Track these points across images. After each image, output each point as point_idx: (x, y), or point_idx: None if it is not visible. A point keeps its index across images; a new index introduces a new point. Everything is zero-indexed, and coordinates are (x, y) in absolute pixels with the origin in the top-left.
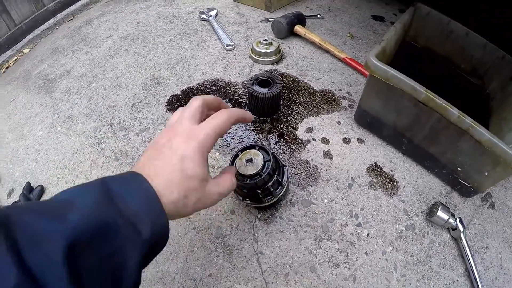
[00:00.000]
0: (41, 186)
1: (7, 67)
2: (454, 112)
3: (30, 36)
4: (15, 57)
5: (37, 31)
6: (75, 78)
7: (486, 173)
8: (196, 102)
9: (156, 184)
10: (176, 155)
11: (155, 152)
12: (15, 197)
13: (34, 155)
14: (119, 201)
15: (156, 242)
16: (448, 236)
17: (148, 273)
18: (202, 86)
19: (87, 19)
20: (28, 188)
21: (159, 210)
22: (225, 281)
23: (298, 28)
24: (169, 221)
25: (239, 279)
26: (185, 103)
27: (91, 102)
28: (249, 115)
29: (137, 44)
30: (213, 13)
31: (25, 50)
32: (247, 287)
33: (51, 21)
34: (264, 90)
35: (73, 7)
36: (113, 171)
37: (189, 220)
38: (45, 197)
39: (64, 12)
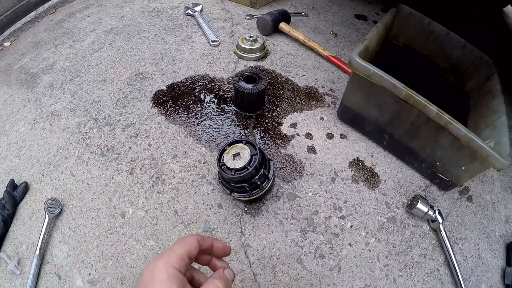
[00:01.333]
0: (26, 183)
1: None
2: (432, 109)
3: (11, 29)
4: None
5: (18, 24)
6: (58, 72)
7: (463, 167)
8: (178, 250)
9: None
10: (144, 283)
11: None
12: None
13: (17, 151)
14: None
15: None
16: (428, 227)
17: (137, 268)
18: (187, 81)
19: (69, 12)
20: (12, 185)
21: None
22: None
23: (282, 25)
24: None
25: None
26: (171, 98)
27: (75, 97)
28: (222, 247)
29: (121, 38)
30: (198, 8)
31: (6, 44)
32: (236, 279)
33: (32, 14)
34: (250, 86)
35: (55, 0)
36: (99, 167)
37: (177, 214)
38: (30, 194)
39: (46, 5)
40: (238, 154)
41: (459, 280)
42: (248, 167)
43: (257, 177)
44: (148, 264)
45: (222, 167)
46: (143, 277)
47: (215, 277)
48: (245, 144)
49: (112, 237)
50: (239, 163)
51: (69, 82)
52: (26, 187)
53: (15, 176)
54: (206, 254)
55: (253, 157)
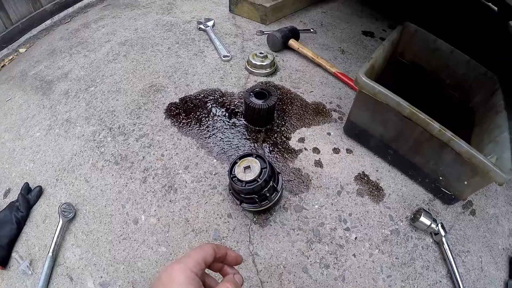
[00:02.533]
0: (40, 187)
1: (2, 66)
2: (435, 126)
3: (26, 36)
4: (11, 56)
5: (34, 31)
6: (73, 81)
7: (465, 182)
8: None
9: None
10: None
11: None
12: (12, 197)
13: (31, 156)
14: None
15: None
16: (431, 240)
17: (148, 273)
18: (200, 95)
19: (84, 22)
20: (26, 188)
21: None
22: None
23: (292, 42)
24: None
25: None
26: (183, 110)
27: (89, 106)
28: (235, 256)
29: (135, 50)
30: (210, 23)
31: (21, 50)
32: (244, 286)
33: (48, 22)
34: (260, 102)
35: (70, 9)
36: (113, 174)
37: (188, 223)
38: (44, 198)
39: (62, 14)
40: (249, 167)
41: None
42: (258, 180)
43: (266, 189)
44: (166, 267)
45: (233, 179)
46: (162, 278)
47: (226, 280)
48: (255, 157)
49: (124, 242)
50: (249, 176)
51: (84, 91)
52: (40, 191)
53: (29, 180)
54: (219, 262)
55: (263, 170)
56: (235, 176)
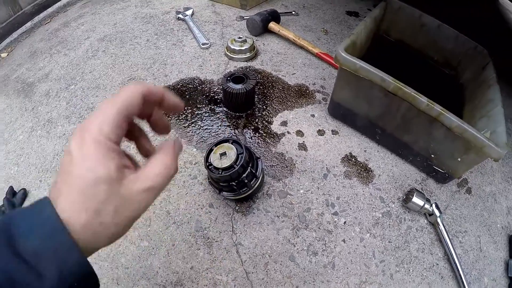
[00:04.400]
0: (24, 189)
1: None
2: (423, 100)
3: (7, 40)
4: None
5: (15, 34)
6: (53, 81)
7: (459, 159)
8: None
9: (61, 207)
10: (71, 159)
11: (60, 166)
12: None
13: (15, 159)
14: (17, 241)
15: (72, 284)
16: (425, 221)
17: (131, 269)
18: (178, 84)
19: (64, 21)
20: (11, 192)
21: (66, 243)
22: (207, 273)
23: (272, 25)
24: (96, 251)
25: (220, 271)
26: None
27: (70, 105)
28: (174, 99)
29: (114, 45)
30: (189, 12)
31: (3, 55)
32: (228, 278)
33: (28, 24)
34: (238, 86)
35: (50, 10)
36: None
37: (169, 215)
38: (28, 200)
39: (42, 15)
40: (225, 153)
41: (460, 274)
42: (235, 166)
43: (244, 175)
44: (75, 133)
45: (210, 167)
46: (72, 151)
47: (165, 152)
48: (231, 143)
49: None
50: (225, 162)
51: (64, 90)
52: (24, 194)
53: (14, 183)
54: (153, 106)
55: (240, 155)
56: (211, 164)
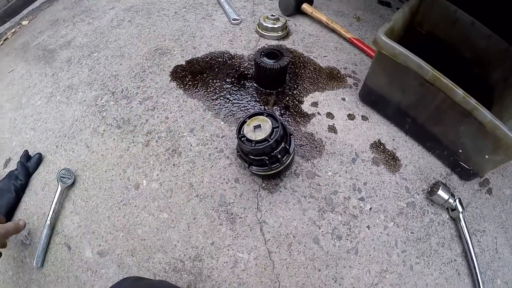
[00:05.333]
0: (39, 154)
1: (5, 39)
2: (459, 92)
3: (29, 8)
4: (14, 29)
5: (37, 3)
6: (76, 48)
7: (486, 156)
8: None
9: None
10: None
11: None
12: (12, 166)
13: (32, 124)
14: None
15: None
16: (447, 216)
17: (148, 240)
18: (207, 57)
19: None
20: (26, 156)
21: None
22: (228, 250)
23: (305, 6)
24: None
25: (242, 248)
26: (190, 73)
27: (92, 72)
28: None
29: (140, 16)
30: None
31: (24, 22)
32: (250, 256)
33: None
34: (272, 62)
35: None
36: (114, 139)
37: (192, 187)
38: (43, 165)
39: None
40: (259, 126)
41: (476, 273)
42: (269, 140)
43: (277, 150)
44: None
45: (242, 139)
46: None
47: None
48: (266, 116)
49: (124, 208)
50: (259, 135)
51: (87, 57)
52: (39, 158)
53: (29, 148)
54: None
55: (275, 129)
56: (244, 136)
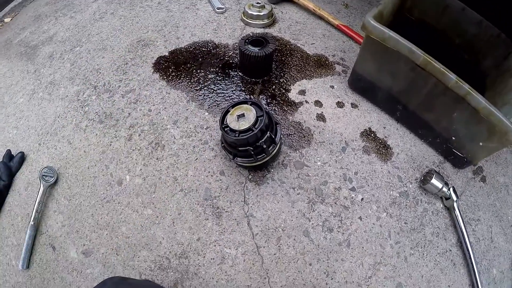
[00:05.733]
0: (22, 153)
1: None
2: (451, 77)
3: (11, 5)
4: None
5: None
6: (58, 43)
7: (480, 143)
8: None
9: None
10: None
11: None
12: None
13: (15, 122)
14: None
15: None
16: (441, 205)
17: (132, 238)
18: (191, 47)
19: None
20: (8, 155)
21: None
22: (215, 245)
23: None
24: None
25: (229, 243)
26: (173, 63)
27: (74, 66)
28: None
29: (123, 7)
30: None
31: (6, 20)
32: (238, 252)
33: None
34: (257, 49)
35: None
36: (96, 134)
37: (176, 181)
38: (26, 164)
39: None
40: (243, 115)
41: (472, 263)
42: (253, 129)
43: (262, 140)
44: None
45: (225, 129)
46: None
47: None
48: (250, 105)
49: (107, 205)
50: (243, 124)
51: (69, 52)
52: (22, 157)
53: (12, 147)
54: None
55: (259, 118)
56: (228, 126)
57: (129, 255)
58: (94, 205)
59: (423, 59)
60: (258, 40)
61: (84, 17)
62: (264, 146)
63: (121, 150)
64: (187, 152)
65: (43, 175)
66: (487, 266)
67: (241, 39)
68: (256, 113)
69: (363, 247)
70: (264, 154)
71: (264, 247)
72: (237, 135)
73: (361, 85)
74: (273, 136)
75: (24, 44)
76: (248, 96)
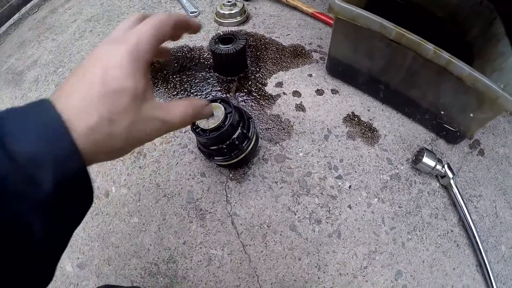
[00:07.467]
0: None
1: None
2: (429, 47)
3: None
4: None
5: (3, 28)
6: (42, 66)
7: (471, 115)
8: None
9: (67, 108)
10: (98, 64)
11: (76, 69)
12: None
13: None
14: (11, 142)
15: (68, 194)
16: (438, 184)
17: (122, 247)
18: None
19: (51, 9)
20: None
21: (66, 145)
22: (200, 247)
23: None
24: (98, 162)
25: (215, 244)
26: (150, 73)
27: (58, 87)
28: (196, 22)
29: (101, 24)
30: None
31: None
32: (224, 252)
33: (16, 16)
34: (227, 47)
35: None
36: None
37: (159, 188)
38: None
39: (28, 5)
40: (212, 113)
41: (477, 242)
42: (223, 126)
43: (234, 136)
44: (108, 43)
45: (197, 130)
46: (99, 58)
47: (191, 103)
48: (219, 103)
49: (97, 218)
50: (212, 123)
51: (53, 74)
52: None
53: None
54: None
55: (228, 115)
56: (198, 127)
57: (120, 264)
58: (84, 219)
59: (396, 32)
60: (228, 38)
61: (65, 37)
62: (237, 143)
63: (105, 163)
64: (168, 157)
65: None
66: (494, 244)
67: (211, 39)
68: (225, 110)
69: (355, 237)
70: (238, 151)
71: (250, 245)
72: (207, 134)
73: (339, 69)
74: (245, 131)
75: (11, 71)
76: (224, 95)
